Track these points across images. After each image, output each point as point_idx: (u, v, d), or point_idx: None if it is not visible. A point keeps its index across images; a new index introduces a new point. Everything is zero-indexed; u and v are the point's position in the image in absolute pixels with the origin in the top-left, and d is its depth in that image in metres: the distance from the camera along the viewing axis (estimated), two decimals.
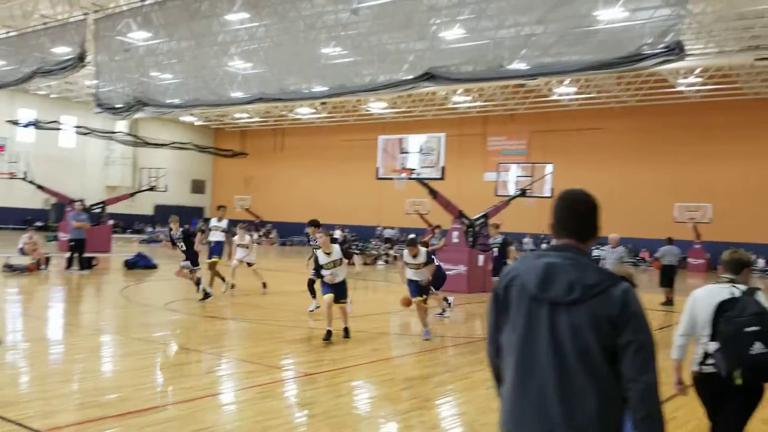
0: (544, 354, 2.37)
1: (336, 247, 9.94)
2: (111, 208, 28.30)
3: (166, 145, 35.24)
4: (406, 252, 10.68)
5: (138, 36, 18.37)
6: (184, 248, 13.17)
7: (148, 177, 33.66)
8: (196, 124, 48.56)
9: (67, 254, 18.66)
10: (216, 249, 14.43)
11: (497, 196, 22.04)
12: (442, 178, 16.39)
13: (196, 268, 13.23)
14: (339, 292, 9.93)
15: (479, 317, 13.84)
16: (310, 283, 12.33)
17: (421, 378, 7.97)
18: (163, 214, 45.52)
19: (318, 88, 16.84)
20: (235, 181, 47.96)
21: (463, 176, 33.11)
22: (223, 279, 14.64)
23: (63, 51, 19.20)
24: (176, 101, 18.99)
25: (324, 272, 9.85)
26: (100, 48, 18.32)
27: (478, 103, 35.60)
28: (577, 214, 2.54)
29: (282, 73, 16.92)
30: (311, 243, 12.15)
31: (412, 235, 11.48)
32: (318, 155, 44.41)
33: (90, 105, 22.32)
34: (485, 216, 18.93)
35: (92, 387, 6.97)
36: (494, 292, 2.60)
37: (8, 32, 21.68)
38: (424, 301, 10.63)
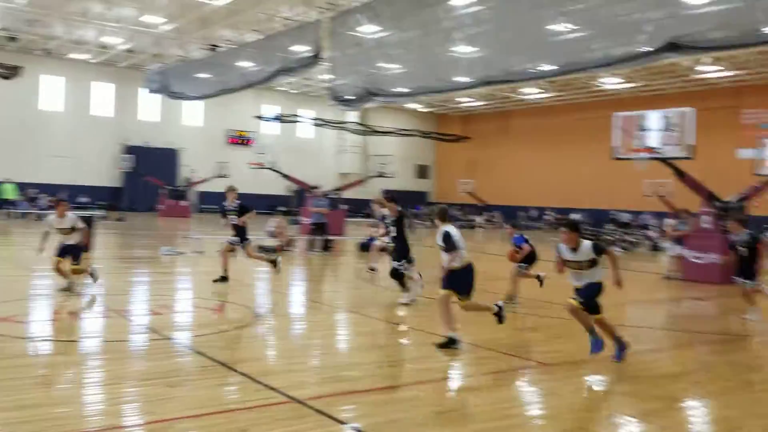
0: None
1: (446, 229, 7.95)
2: (343, 194, 30.20)
3: (392, 132, 36.61)
4: (562, 245, 7.54)
5: (367, 30, 19.10)
6: (234, 221, 12.50)
7: (377, 163, 35.17)
8: (419, 110, 49.88)
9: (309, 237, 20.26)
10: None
11: (756, 175, 19.48)
12: (690, 158, 14.74)
13: (235, 241, 12.53)
14: (456, 285, 7.92)
15: (736, 312, 12.29)
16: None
17: (670, 376, 7.21)
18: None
19: (545, 67, 16.11)
20: (458, 165, 48.39)
21: (711, 154, 29.80)
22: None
23: (301, 49, 20.67)
24: (403, 90, 19.51)
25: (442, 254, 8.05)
26: (334, 44, 19.40)
27: (729, 73, 31.89)
28: None
29: (507, 54, 16.48)
30: (385, 221, 11.69)
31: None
32: (545, 136, 42.97)
33: (324, 98, 23.85)
34: (743, 198, 16.84)
35: (333, 362, 7.32)
36: None
37: (257, 36, 23.97)
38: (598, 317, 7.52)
